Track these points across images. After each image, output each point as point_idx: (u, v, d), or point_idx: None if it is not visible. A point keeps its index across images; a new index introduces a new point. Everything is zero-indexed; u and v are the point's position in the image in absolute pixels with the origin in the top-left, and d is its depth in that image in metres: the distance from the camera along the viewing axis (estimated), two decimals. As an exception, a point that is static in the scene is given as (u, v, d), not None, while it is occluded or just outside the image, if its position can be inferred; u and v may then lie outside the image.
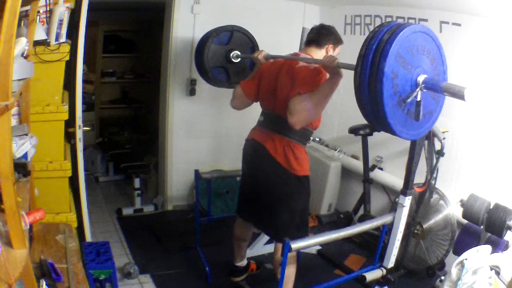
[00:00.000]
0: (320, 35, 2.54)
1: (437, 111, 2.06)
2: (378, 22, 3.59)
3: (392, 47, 1.73)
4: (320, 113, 2.34)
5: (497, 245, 2.42)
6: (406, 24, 1.81)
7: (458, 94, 1.77)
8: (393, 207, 3.01)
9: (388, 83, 1.74)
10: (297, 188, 2.46)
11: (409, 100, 1.81)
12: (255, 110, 3.55)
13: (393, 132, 1.87)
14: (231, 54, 3.24)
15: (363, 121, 3.37)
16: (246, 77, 2.79)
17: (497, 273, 1.96)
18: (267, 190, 2.50)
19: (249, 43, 3.37)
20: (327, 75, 2.24)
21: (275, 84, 2.44)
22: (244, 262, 2.95)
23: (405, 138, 2.04)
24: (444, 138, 2.91)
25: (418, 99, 1.81)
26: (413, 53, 1.82)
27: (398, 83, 1.78)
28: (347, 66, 2.12)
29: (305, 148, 2.50)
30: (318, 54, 2.52)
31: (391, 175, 3.45)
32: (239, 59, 3.25)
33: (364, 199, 3.43)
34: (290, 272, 2.51)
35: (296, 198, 2.47)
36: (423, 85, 1.82)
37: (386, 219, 2.78)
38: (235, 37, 3.29)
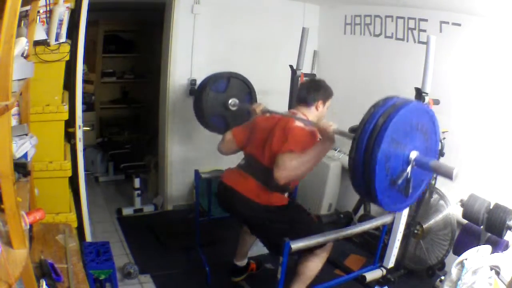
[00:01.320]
0: (309, 93, 2.59)
1: (427, 179, 2.10)
2: (378, 22, 3.59)
3: (386, 133, 1.76)
4: (306, 173, 2.37)
5: (497, 245, 2.42)
6: (400, 106, 1.83)
7: (446, 174, 1.83)
8: (393, 207, 3.01)
9: (381, 168, 1.79)
10: (277, 215, 2.46)
11: (400, 181, 1.86)
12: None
13: (383, 208, 1.95)
14: (229, 102, 3.29)
15: (363, 121, 3.38)
16: (242, 123, 2.84)
17: (497, 273, 1.95)
18: (251, 222, 2.56)
19: (246, 89, 3.42)
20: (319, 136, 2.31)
21: (268, 136, 2.47)
22: (244, 262, 2.96)
23: (394, 211, 2.20)
24: (444, 138, 2.91)
25: (409, 176, 1.87)
26: (407, 132, 1.87)
27: (390, 166, 1.84)
28: (344, 134, 2.24)
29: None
30: (309, 112, 2.58)
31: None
32: (237, 107, 3.30)
33: (364, 199, 3.43)
34: (313, 265, 2.50)
35: (280, 221, 2.45)
36: (414, 163, 1.88)
37: (386, 219, 2.78)
38: (232, 83, 3.33)
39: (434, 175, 2.94)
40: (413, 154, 1.87)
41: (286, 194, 2.60)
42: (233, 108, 3.30)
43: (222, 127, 3.30)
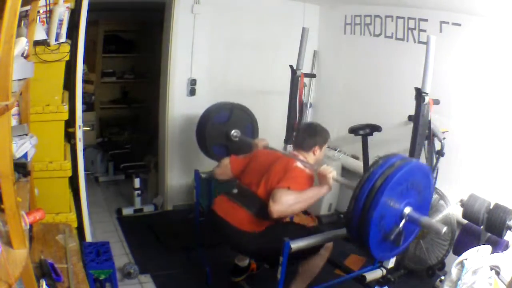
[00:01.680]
0: (305, 140, 2.65)
1: (417, 229, 2.18)
2: (378, 22, 3.59)
3: (383, 196, 1.88)
4: (297, 213, 2.48)
5: (497, 245, 2.42)
6: (399, 167, 1.94)
7: (436, 231, 1.98)
8: (393, 207, 3.01)
9: (375, 226, 1.90)
10: (270, 235, 2.44)
11: (392, 236, 1.98)
12: (255, 110, 3.57)
13: (374, 257, 2.12)
14: (232, 133, 3.33)
15: (363, 121, 3.40)
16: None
17: (497, 273, 1.95)
18: (247, 253, 2.64)
19: (248, 119, 3.46)
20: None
21: (267, 170, 2.50)
22: (246, 262, 2.95)
23: (384, 259, 2.37)
24: (444, 138, 2.91)
25: (401, 229, 1.98)
26: (403, 192, 1.98)
27: (384, 223, 1.95)
28: (341, 182, 2.39)
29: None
30: (308, 156, 2.64)
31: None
32: (238, 138, 3.34)
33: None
34: (314, 265, 2.52)
35: (276, 246, 2.40)
36: (407, 218, 1.99)
37: (386, 219, 2.77)
38: (234, 114, 3.38)
39: (435, 175, 2.94)
40: (407, 210, 1.99)
41: None
42: (235, 139, 3.35)
43: (223, 156, 3.33)
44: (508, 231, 2.43)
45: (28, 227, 1.64)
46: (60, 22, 2.52)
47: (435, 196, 3.04)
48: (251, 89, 4.06)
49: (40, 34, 2.40)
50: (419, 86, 2.51)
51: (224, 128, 3.35)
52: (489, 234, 2.53)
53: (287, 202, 2.27)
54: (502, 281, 1.93)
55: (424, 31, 3.17)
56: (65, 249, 2.21)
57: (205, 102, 4.00)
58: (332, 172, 2.36)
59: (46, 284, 1.76)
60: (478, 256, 1.94)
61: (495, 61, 2.79)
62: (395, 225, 1.98)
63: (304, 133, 2.71)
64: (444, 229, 1.93)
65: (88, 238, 3.00)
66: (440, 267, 3.01)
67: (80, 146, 2.91)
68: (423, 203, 2.10)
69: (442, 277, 2.17)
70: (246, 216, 2.45)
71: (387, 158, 2.02)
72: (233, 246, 2.62)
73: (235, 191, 2.61)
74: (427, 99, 2.52)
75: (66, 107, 2.65)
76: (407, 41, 3.35)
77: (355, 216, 1.94)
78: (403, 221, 1.98)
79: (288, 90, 3.45)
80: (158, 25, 4.10)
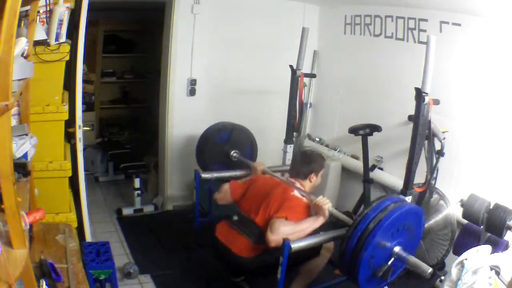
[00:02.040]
0: (302, 168, 2.72)
1: (404, 265, 2.24)
2: (378, 22, 3.59)
3: (374, 238, 2.00)
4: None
5: (497, 245, 2.42)
6: (392, 211, 2.06)
7: (422, 273, 2.04)
8: (393, 207, 3.01)
9: (365, 265, 2.03)
10: (270, 254, 2.47)
11: (380, 273, 2.08)
12: (255, 110, 3.57)
13: None
14: (231, 153, 3.43)
15: (363, 121, 3.40)
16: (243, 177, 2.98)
17: (497, 273, 1.95)
18: (250, 274, 2.72)
19: (248, 139, 3.56)
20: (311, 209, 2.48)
21: (265, 198, 2.56)
22: (245, 262, 2.96)
23: None
24: (444, 138, 2.91)
25: (390, 266, 2.10)
26: (394, 234, 2.10)
27: (374, 262, 2.07)
28: (336, 215, 2.47)
29: None
30: (305, 183, 2.71)
31: (391, 175, 3.45)
32: (237, 159, 3.42)
33: (364, 199, 3.43)
34: (315, 265, 2.57)
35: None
36: (396, 256, 2.13)
37: (386, 219, 2.78)
38: (234, 134, 3.47)
39: (435, 175, 2.95)
40: (396, 249, 2.12)
41: None
42: (234, 160, 3.43)
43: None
44: (508, 231, 2.43)
45: (28, 227, 1.64)
46: (60, 22, 2.52)
47: (435, 196, 3.04)
48: (251, 89, 4.06)
49: (40, 34, 2.41)
50: (419, 86, 2.51)
51: (224, 148, 3.45)
52: (489, 234, 2.52)
53: (284, 232, 2.33)
54: (502, 281, 1.93)
55: (424, 31, 3.16)
56: (65, 249, 2.21)
57: (205, 102, 4.03)
58: (327, 204, 2.44)
59: (46, 284, 1.76)
60: (478, 256, 1.94)
61: (495, 61, 2.79)
62: (384, 263, 2.10)
63: (300, 162, 2.77)
64: (430, 270, 2.02)
65: (88, 238, 3.00)
66: (440, 267, 3.01)
67: (80, 146, 2.91)
68: (413, 240, 2.22)
69: (442, 277, 2.17)
70: (246, 244, 2.53)
71: (381, 201, 2.14)
72: (234, 270, 2.74)
73: (236, 218, 2.69)
74: (427, 99, 2.52)
75: (66, 107, 2.65)
76: (407, 41, 3.35)
77: (347, 255, 2.06)
78: (392, 259, 2.10)
79: (288, 90, 3.45)
80: (158, 25, 4.10)
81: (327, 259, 2.60)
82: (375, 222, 2.02)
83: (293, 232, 2.35)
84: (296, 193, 2.57)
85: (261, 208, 2.53)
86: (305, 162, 2.74)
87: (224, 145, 3.46)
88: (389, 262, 2.10)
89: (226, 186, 2.82)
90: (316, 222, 2.44)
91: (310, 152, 2.90)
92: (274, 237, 2.32)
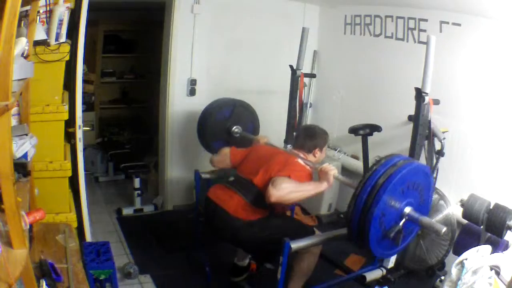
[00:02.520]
0: (306, 142, 2.69)
1: (416, 229, 2.21)
2: (378, 22, 3.59)
3: (385, 194, 1.90)
4: (294, 202, 2.51)
5: (497, 245, 2.42)
6: (402, 167, 1.96)
7: (436, 232, 1.98)
8: (393, 207, 3.01)
9: (376, 223, 1.93)
10: (265, 226, 2.45)
11: (392, 234, 1.99)
12: (255, 110, 3.56)
13: (373, 254, 2.10)
14: (233, 129, 3.37)
15: (363, 121, 3.40)
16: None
17: (497, 273, 1.95)
18: (239, 243, 2.59)
19: (250, 117, 3.50)
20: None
21: (266, 160, 2.53)
22: (245, 262, 2.95)
23: (383, 257, 2.37)
24: (444, 138, 2.91)
25: (400, 228, 2.01)
26: (404, 191, 2.00)
27: (385, 220, 1.98)
28: (342, 181, 2.41)
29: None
30: (309, 157, 2.67)
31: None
32: (239, 134, 3.37)
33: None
34: (306, 268, 2.53)
35: (270, 235, 2.43)
36: (407, 217, 2.02)
37: (386, 219, 2.77)
38: (236, 111, 3.41)
39: (435, 175, 2.94)
40: (407, 210, 2.02)
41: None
42: (236, 135, 3.39)
43: None
44: (508, 231, 2.43)
45: (28, 227, 1.64)
46: (60, 22, 2.52)
47: (435, 196, 3.04)
48: (251, 89, 4.06)
49: (40, 34, 2.40)
50: (419, 86, 2.51)
51: (225, 124, 3.38)
52: (489, 234, 2.52)
53: (286, 188, 2.28)
54: (502, 281, 1.93)
55: (424, 31, 3.17)
56: (65, 249, 2.21)
57: (205, 102, 4.01)
58: (333, 170, 2.38)
59: (46, 284, 1.76)
60: (478, 256, 1.94)
61: (495, 61, 2.79)
62: (395, 224, 2.00)
63: (304, 136, 2.73)
64: (444, 229, 1.94)
65: (88, 238, 3.00)
66: (440, 267, 3.01)
67: (80, 146, 2.90)
68: (423, 204, 2.11)
69: (442, 277, 2.17)
70: (241, 203, 2.45)
71: (390, 158, 2.04)
72: (225, 234, 2.55)
73: (232, 179, 2.63)
74: (427, 99, 2.52)
75: (66, 107, 2.65)
76: (407, 41, 3.35)
77: (356, 213, 1.95)
78: (403, 220, 2.00)
79: (288, 90, 3.45)
80: (158, 25, 4.10)
81: (318, 255, 2.58)
82: (385, 177, 1.93)
83: (295, 190, 2.31)
84: (300, 160, 2.53)
85: (261, 170, 2.48)
86: (309, 137, 2.70)
87: (226, 121, 3.39)
88: (401, 223, 2.00)
89: (226, 150, 2.78)
90: (319, 187, 2.38)
91: (313, 126, 2.85)
92: (276, 192, 2.26)
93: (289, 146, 3.21)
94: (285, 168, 2.42)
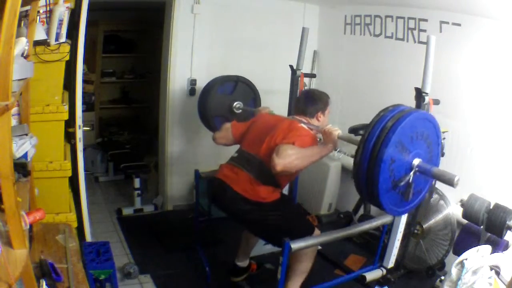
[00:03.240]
0: (307, 106, 2.63)
1: (425, 189, 2.16)
2: (378, 22, 3.59)
3: (394, 136, 1.82)
4: (301, 168, 2.40)
5: (497, 245, 2.42)
6: (409, 112, 1.90)
7: (448, 181, 1.88)
8: (393, 207, 3.01)
9: (385, 169, 1.84)
10: (271, 213, 2.45)
11: (402, 183, 1.91)
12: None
13: (383, 209, 1.99)
14: (234, 105, 3.34)
15: (363, 121, 3.39)
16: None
17: (497, 273, 1.95)
18: (248, 225, 2.60)
19: (251, 94, 3.47)
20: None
21: (269, 130, 2.49)
22: (246, 263, 2.95)
23: (393, 215, 2.27)
24: (444, 138, 2.91)
25: (410, 181, 1.93)
26: (413, 140, 1.93)
27: (394, 168, 1.89)
28: (348, 139, 2.30)
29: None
30: (311, 121, 2.62)
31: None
32: (241, 110, 3.34)
33: (365, 200, 3.43)
34: (304, 267, 2.53)
35: (276, 221, 2.45)
36: (417, 169, 1.94)
37: (386, 219, 2.77)
38: (238, 87, 3.38)
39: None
40: (416, 161, 1.94)
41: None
42: (237, 111, 3.35)
43: None
44: (508, 231, 2.43)
45: (28, 227, 1.64)
46: (60, 22, 2.52)
47: (435, 196, 3.04)
48: (251, 89, 4.06)
49: (40, 34, 2.40)
50: (419, 86, 2.51)
51: (227, 100, 3.34)
52: (489, 234, 2.53)
53: (292, 155, 2.23)
54: (502, 281, 1.93)
55: (424, 31, 3.17)
56: (65, 249, 2.21)
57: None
58: (337, 131, 2.31)
59: (46, 284, 1.76)
60: (478, 256, 1.94)
61: (496, 61, 2.79)
62: (405, 175, 1.92)
63: (304, 101, 2.66)
64: (457, 178, 1.85)
65: (88, 238, 3.00)
66: (440, 267, 3.01)
67: (80, 146, 2.90)
68: (431, 161, 2.04)
69: (442, 277, 2.17)
70: (248, 179, 2.43)
71: (397, 105, 1.99)
72: (234, 213, 2.56)
73: (236, 154, 2.60)
74: (427, 99, 2.52)
75: (66, 107, 2.65)
76: (407, 41, 3.35)
77: (364, 158, 1.89)
78: (413, 171, 1.93)
79: (288, 90, 3.45)
80: (158, 25, 4.10)
81: (315, 253, 2.57)
82: (394, 120, 1.86)
83: (300, 156, 2.26)
84: (303, 125, 2.48)
85: (265, 141, 2.43)
86: (310, 102, 2.63)
87: (228, 97, 3.35)
88: (411, 174, 1.92)
89: (227, 125, 2.74)
90: (324, 149, 2.34)
91: (312, 90, 2.78)
92: (281, 160, 2.20)
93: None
94: (289, 135, 2.36)
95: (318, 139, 2.52)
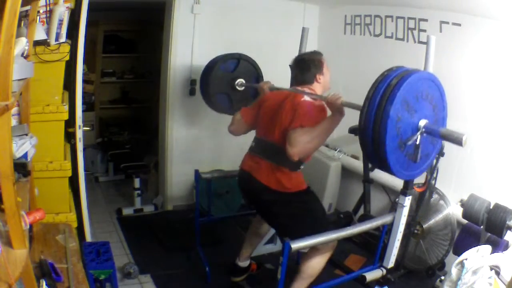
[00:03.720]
0: (303, 73, 2.58)
1: (433, 154, 2.16)
2: (378, 22, 3.59)
3: (399, 92, 1.81)
4: (318, 147, 2.40)
5: (497, 245, 2.42)
6: (413, 71, 1.90)
7: (455, 140, 1.87)
8: (393, 207, 3.01)
9: (392, 126, 1.83)
10: (295, 204, 2.47)
11: (409, 143, 1.90)
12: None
13: (391, 172, 1.97)
14: (236, 82, 3.32)
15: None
16: (248, 105, 2.87)
17: (497, 273, 1.95)
18: (269, 212, 2.57)
19: (254, 73, 3.44)
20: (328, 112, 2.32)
21: (277, 113, 2.47)
22: (246, 263, 2.95)
23: (401, 178, 2.20)
24: (444, 138, 2.91)
25: (418, 142, 1.92)
26: (418, 99, 1.92)
27: (401, 126, 1.88)
28: (353, 106, 2.19)
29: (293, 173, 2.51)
30: (314, 86, 2.57)
31: (391, 175, 3.45)
32: (243, 87, 3.32)
33: (364, 199, 3.43)
34: (316, 263, 2.51)
35: (300, 214, 2.46)
36: (423, 130, 1.92)
37: (386, 219, 2.77)
38: (241, 65, 3.36)
39: (435, 175, 2.94)
40: (423, 122, 1.93)
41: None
42: (240, 89, 3.32)
43: (226, 106, 3.34)
44: (508, 231, 2.43)
45: (28, 227, 1.64)
46: (60, 22, 2.51)
47: (435, 196, 3.04)
48: (251, 89, 4.06)
49: (40, 34, 2.40)
50: (419, 86, 2.51)
51: (229, 77, 3.33)
52: (489, 234, 2.53)
53: (303, 141, 2.23)
54: (502, 281, 1.94)
55: (424, 31, 3.16)
56: (65, 249, 2.21)
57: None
58: (340, 98, 2.27)
59: (46, 284, 1.76)
60: (478, 256, 1.94)
61: (496, 61, 2.79)
62: (412, 135, 1.91)
63: (298, 71, 2.63)
64: (465, 137, 1.84)
65: (88, 238, 3.00)
66: (440, 267, 3.01)
67: (80, 146, 2.90)
68: (437, 122, 2.04)
69: (442, 277, 2.17)
70: (268, 168, 2.45)
71: (401, 66, 1.99)
72: (259, 204, 2.58)
73: (253, 143, 2.62)
74: (427, 99, 2.52)
75: (66, 107, 2.65)
76: (407, 41, 3.35)
77: (370, 116, 1.87)
78: (420, 132, 1.92)
79: (288, 90, 3.45)
80: (158, 25, 4.10)
81: (328, 257, 2.56)
82: (398, 78, 1.85)
83: (312, 138, 2.24)
84: (306, 98, 2.42)
85: (276, 126, 2.43)
86: (304, 69, 2.59)
87: (230, 74, 3.34)
88: (418, 135, 1.90)
89: (237, 116, 2.73)
90: (334, 121, 2.29)
91: (302, 56, 2.73)
92: (294, 150, 2.22)
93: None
94: (295, 116, 2.32)
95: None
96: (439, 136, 1.94)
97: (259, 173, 2.48)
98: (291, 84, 3.26)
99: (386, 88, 1.85)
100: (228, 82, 3.32)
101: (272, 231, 3.12)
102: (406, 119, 1.88)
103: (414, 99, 1.89)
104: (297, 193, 2.48)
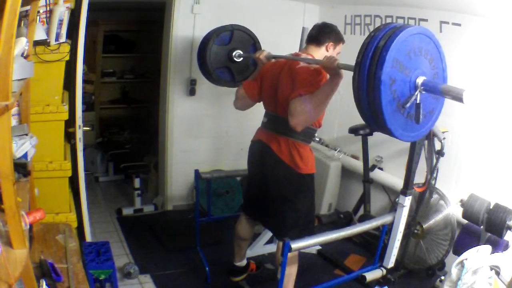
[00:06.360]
0: (320, 33, 2.55)
1: (438, 109, 2.06)
2: (378, 22, 3.59)
3: (388, 54, 1.71)
4: (321, 114, 2.37)
5: (497, 245, 2.42)
6: (401, 28, 1.79)
7: (456, 97, 1.77)
8: (393, 207, 3.01)
9: (386, 90, 1.74)
10: (301, 188, 2.48)
11: (408, 104, 1.81)
12: (255, 110, 3.56)
13: (393, 136, 1.88)
14: (233, 54, 3.26)
15: (362, 121, 3.39)
16: (250, 75, 2.82)
17: (497, 273, 1.96)
18: (273, 190, 2.53)
19: (250, 41, 3.38)
20: (328, 76, 2.25)
21: (277, 85, 2.47)
22: (243, 262, 2.95)
23: (406, 141, 2.07)
24: (444, 138, 2.91)
25: (418, 101, 1.82)
26: (411, 56, 1.81)
27: (397, 88, 1.78)
28: (348, 67, 2.10)
29: (309, 146, 2.53)
30: (319, 52, 2.52)
31: (391, 175, 3.45)
32: (242, 58, 3.27)
33: (364, 199, 3.43)
34: (292, 271, 2.52)
35: (301, 197, 2.48)
36: (422, 88, 1.82)
37: (386, 219, 2.78)
38: (235, 36, 3.30)
39: (435, 175, 2.94)
40: (420, 79, 1.83)
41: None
42: (238, 60, 3.28)
43: (228, 79, 3.31)
44: (508, 231, 2.43)
45: (28, 227, 1.64)
46: (60, 22, 2.52)
47: (435, 196, 3.05)
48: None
49: (40, 34, 2.40)
50: (419, 86, 2.50)
51: (226, 50, 3.28)
52: (489, 234, 2.53)
53: (303, 110, 2.20)
54: (502, 281, 1.94)
55: (424, 31, 3.16)
56: (65, 249, 2.21)
57: (205, 102, 4.02)
58: (336, 60, 2.18)
59: (46, 284, 1.76)
60: (478, 256, 1.95)
61: (496, 61, 2.79)
62: (410, 95, 1.82)
63: (320, 28, 2.57)
64: (464, 92, 1.74)
65: (88, 238, 3.00)
66: (440, 267, 3.01)
67: (80, 146, 2.90)
68: (437, 76, 1.97)
69: (442, 277, 2.18)
70: (285, 143, 2.44)
71: (388, 23, 1.89)
72: (268, 179, 2.53)
73: (265, 119, 2.61)
74: (427, 99, 2.51)
75: (66, 107, 2.65)
76: (407, 41, 3.34)
77: (362, 83, 1.81)
78: (418, 91, 1.82)
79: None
80: (158, 25, 4.10)
81: (296, 268, 2.56)
82: (385, 38, 1.75)
83: (313, 106, 2.20)
84: (301, 64, 2.39)
85: (278, 97, 2.43)
86: (325, 31, 2.54)
87: (226, 47, 3.28)
88: (416, 93, 1.81)
89: (240, 91, 2.70)
90: (332, 85, 2.21)
91: (331, 24, 2.66)
92: (296, 120, 2.20)
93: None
94: (294, 85, 2.29)
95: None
96: (439, 93, 1.84)
97: (276, 146, 2.46)
98: (300, 48, 3.19)
99: (374, 51, 1.75)
100: (225, 55, 3.27)
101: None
102: (401, 80, 1.78)
103: (407, 57, 1.79)
104: (305, 175, 2.48)
